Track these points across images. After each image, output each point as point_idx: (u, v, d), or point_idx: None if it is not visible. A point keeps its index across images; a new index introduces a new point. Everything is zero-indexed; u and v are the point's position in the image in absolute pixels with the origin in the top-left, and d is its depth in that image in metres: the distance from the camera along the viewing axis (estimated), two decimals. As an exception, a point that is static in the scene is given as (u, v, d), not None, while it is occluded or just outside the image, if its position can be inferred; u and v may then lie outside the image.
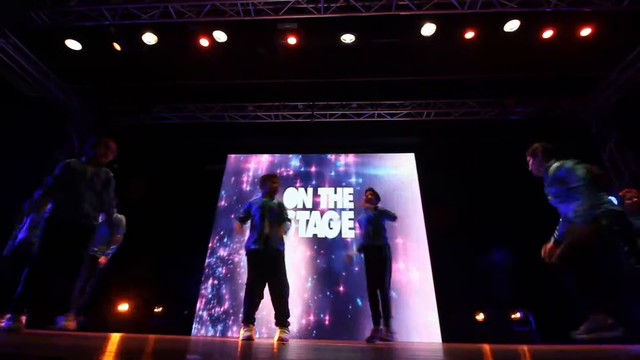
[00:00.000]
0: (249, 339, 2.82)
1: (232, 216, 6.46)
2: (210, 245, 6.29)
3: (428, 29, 4.96)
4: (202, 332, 5.57)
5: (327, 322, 5.46)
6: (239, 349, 1.63)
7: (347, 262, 3.83)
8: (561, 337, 4.57)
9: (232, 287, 5.85)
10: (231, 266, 6.05)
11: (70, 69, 6.03)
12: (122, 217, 4.26)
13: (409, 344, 3.74)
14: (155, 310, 6.30)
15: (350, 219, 6.36)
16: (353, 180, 6.78)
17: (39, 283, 2.46)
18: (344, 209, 6.48)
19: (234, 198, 6.73)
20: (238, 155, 7.29)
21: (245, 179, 6.94)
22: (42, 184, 2.78)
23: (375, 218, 3.92)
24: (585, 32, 4.97)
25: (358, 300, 5.52)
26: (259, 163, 7.13)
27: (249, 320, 2.96)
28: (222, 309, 5.68)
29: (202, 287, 5.90)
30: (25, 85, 5.97)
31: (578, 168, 2.40)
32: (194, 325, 5.62)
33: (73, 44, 5.26)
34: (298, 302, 5.54)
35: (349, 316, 5.47)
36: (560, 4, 4.58)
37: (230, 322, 5.56)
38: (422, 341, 5.10)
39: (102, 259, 4.02)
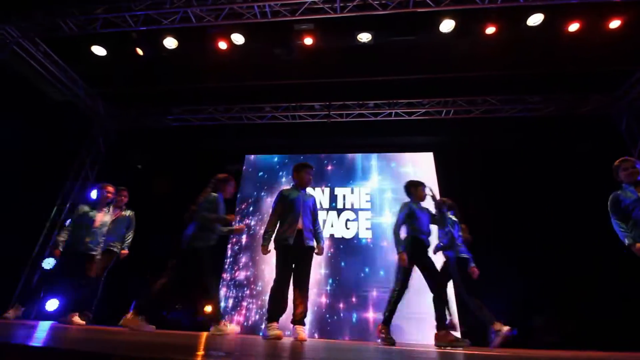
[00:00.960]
0: (278, 337, 2.76)
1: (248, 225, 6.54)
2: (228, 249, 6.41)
3: (447, 26, 4.86)
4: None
5: (352, 323, 5.46)
6: (274, 348, 1.65)
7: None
8: (583, 343, 4.42)
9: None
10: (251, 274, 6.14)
11: (96, 74, 6.28)
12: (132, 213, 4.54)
13: (427, 346, 3.69)
14: (177, 306, 6.48)
15: (367, 219, 6.33)
16: (370, 180, 6.74)
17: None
18: (361, 209, 6.45)
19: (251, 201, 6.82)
20: (256, 155, 7.40)
21: (262, 181, 7.01)
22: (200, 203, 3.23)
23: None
24: (614, 24, 4.74)
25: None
26: (275, 163, 7.20)
27: (275, 318, 2.88)
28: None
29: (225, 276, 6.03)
30: (55, 90, 6.26)
31: None
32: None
33: (98, 50, 5.48)
34: (314, 303, 5.57)
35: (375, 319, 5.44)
36: (587, -4, 4.40)
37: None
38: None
39: (124, 252, 4.36)
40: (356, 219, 6.35)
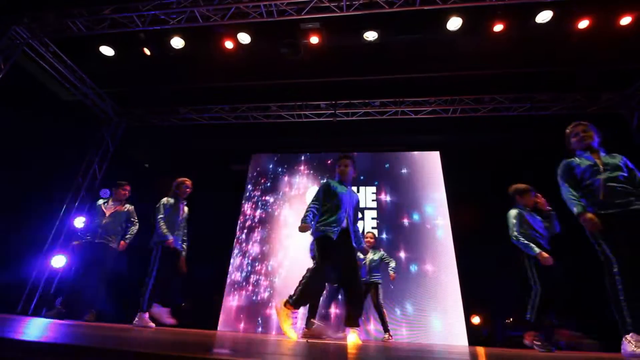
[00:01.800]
0: (291, 338, 2.61)
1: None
2: (235, 243, 6.44)
3: (454, 23, 4.82)
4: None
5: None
6: (285, 348, 1.66)
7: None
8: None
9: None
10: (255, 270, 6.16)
11: (104, 73, 6.35)
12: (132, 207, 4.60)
13: (434, 347, 3.67)
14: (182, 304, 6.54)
15: (373, 218, 6.32)
16: (376, 179, 6.72)
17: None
18: (367, 208, 6.44)
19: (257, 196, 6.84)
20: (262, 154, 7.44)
21: (268, 180, 7.04)
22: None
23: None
24: (625, 20, 4.66)
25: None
26: (281, 162, 7.22)
27: (298, 306, 2.68)
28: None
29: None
30: (63, 90, 6.35)
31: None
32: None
33: (107, 50, 5.54)
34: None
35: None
36: (598, -8, 4.33)
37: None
38: (448, 344, 4.99)
39: (123, 243, 4.36)
40: (362, 218, 6.34)
